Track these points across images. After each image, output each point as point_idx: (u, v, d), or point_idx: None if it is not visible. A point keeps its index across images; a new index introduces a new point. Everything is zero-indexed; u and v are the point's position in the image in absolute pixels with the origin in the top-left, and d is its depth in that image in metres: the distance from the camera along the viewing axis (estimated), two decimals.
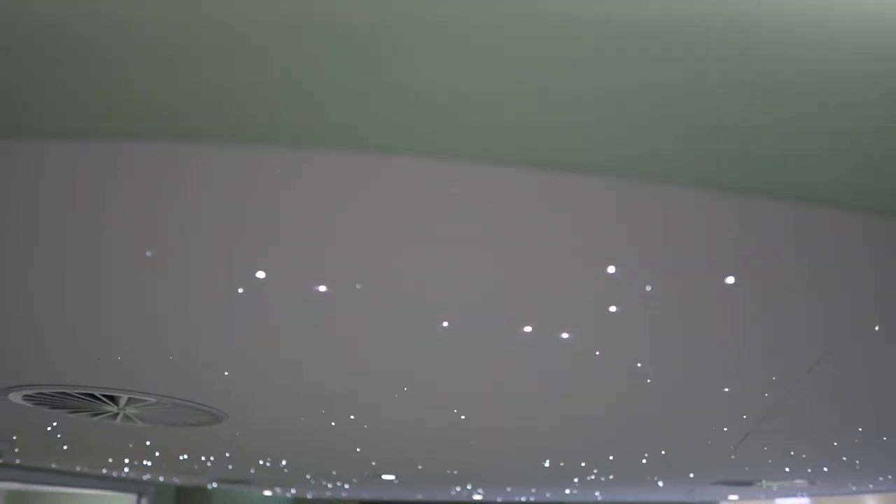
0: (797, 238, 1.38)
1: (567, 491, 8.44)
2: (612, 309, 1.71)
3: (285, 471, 6.35)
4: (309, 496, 11.59)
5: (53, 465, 6.61)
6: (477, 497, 10.23)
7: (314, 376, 2.55)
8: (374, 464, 5.47)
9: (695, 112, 1.02)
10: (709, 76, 0.93)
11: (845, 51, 0.88)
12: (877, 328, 1.88)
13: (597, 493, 8.76)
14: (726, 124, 1.04)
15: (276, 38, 0.88)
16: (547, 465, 5.34)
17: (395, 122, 1.04)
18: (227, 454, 5.09)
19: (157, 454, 5.22)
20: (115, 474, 7.45)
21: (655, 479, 6.36)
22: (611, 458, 4.75)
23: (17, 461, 6.28)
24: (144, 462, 5.89)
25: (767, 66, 0.91)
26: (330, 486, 8.40)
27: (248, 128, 1.07)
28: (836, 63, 0.90)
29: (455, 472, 6.08)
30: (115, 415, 3.33)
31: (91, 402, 3.05)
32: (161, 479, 8.00)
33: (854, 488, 7.71)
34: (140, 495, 8.40)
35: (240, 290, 1.64)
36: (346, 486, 8.51)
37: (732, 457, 4.62)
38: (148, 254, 1.43)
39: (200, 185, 1.22)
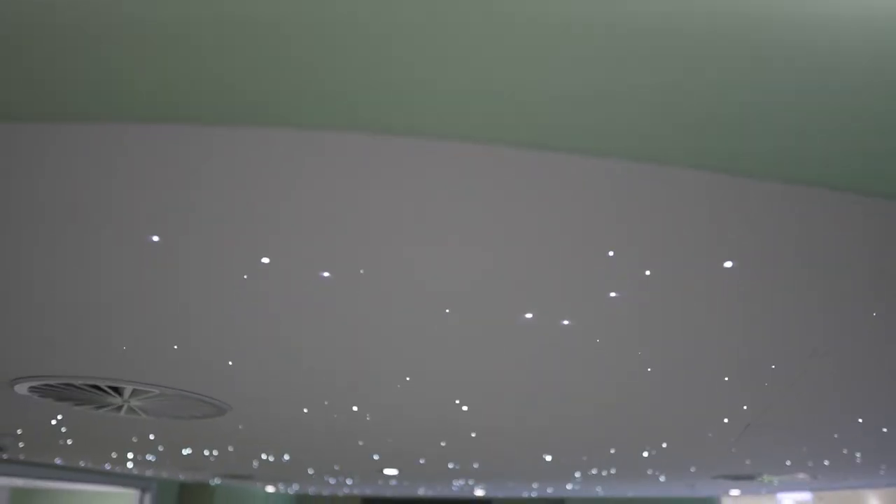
0: (797, 222, 1.40)
1: (568, 486, 8.47)
2: (613, 295, 1.74)
3: (288, 465, 6.38)
4: (311, 492, 11.63)
5: (58, 461, 6.65)
6: (478, 493, 10.26)
7: (317, 366, 2.57)
8: (376, 458, 5.50)
9: (695, 97, 1.03)
10: (710, 63, 0.95)
11: (846, 36, 0.90)
12: (874, 314, 1.90)
13: (598, 489, 8.79)
14: (726, 109, 1.06)
15: (283, 23, 0.90)
16: (548, 459, 5.36)
17: (397, 105, 1.06)
18: (231, 448, 5.12)
19: (160, 448, 5.25)
20: (118, 470, 7.48)
21: (657, 473, 6.39)
22: (612, 451, 4.77)
23: (22, 457, 6.31)
24: (148, 457, 5.92)
25: (767, 54, 0.93)
26: (332, 481, 8.43)
27: (249, 110, 1.09)
28: (836, 47, 0.92)
29: (456, 467, 6.10)
30: (120, 407, 3.36)
31: (96, 393, 3.07)
32: (165, 474, 8.04)
33: (855, 482, 7.72)
34: (143, 491, 8.45)
35: (245, 277, 1.66)
36: (349, 482, 8.54)
37: (733, 450, 4.64)
38: (155, 238, 1.45)
39: (204, 169, 1.24)
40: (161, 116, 1.11)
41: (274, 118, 1.10)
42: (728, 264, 1.55)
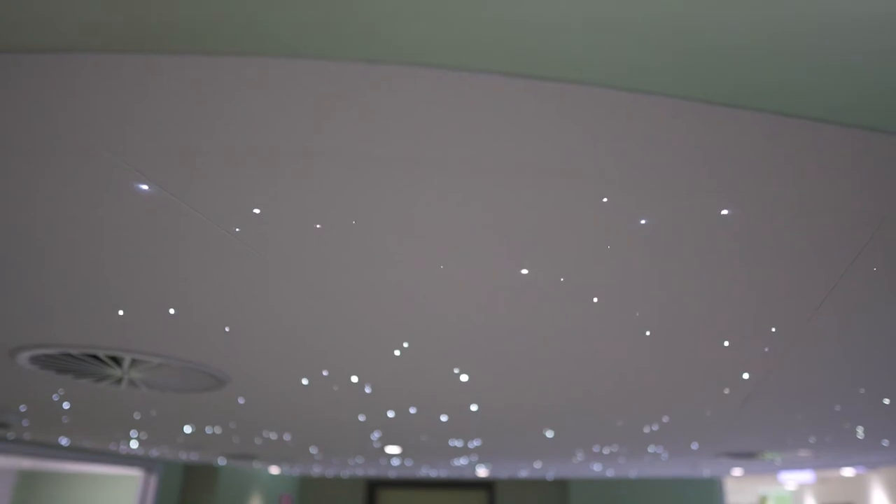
0: (797, 164, 1.38)
1: (571, 466, 8.50)
2: (608, 248, 1.72)
3: (290, 444, 6.41)
4: (314, 474, 11.70)
5: (63, 441, 6.69)
6: (481, 474, 10.31)
7: (314, 333, 2.56)
8: (378, 435, 5.51)
9: (690, 25, 1.01)
10: None
11: None
12: (875, 269, 1.88)
13: (601, 469, 8.82)
14: (721, 38, 1.04)
15: None
16: (549, 435, 5.37)
17: (380, 33, 1.04)
18: (232, 425, 5.14)
19: (163, 425, 5.28)
20: (123, 450, 7.53)
21: (659, 450, 6.40)
22: (613, 425, 4.77)
23: (27, 436, 6.35)
24: (151, 435, 5.95)
25: None
26: (335, 461, 8.48)
27: (247, 39, 1.07)
28: None
29: (458, 444, 6.12)
30: (120, 380, 3.37)
31: (95, 364, 3.07)
32: (169, 455, 8.09)
33: (857, 459, 7.73)
34: (148, 472, 8.51)
35: (237, 230, 1.65)
36: (352, 463, 8.59)
37: (735, 423, 4.63)
38: (144, 187, 1.43)
39: (203, 111, 1.22)
40: (171, 48, 1.09)
41: (274, 48, 1.08)
42: (725, 212, 1.53)
